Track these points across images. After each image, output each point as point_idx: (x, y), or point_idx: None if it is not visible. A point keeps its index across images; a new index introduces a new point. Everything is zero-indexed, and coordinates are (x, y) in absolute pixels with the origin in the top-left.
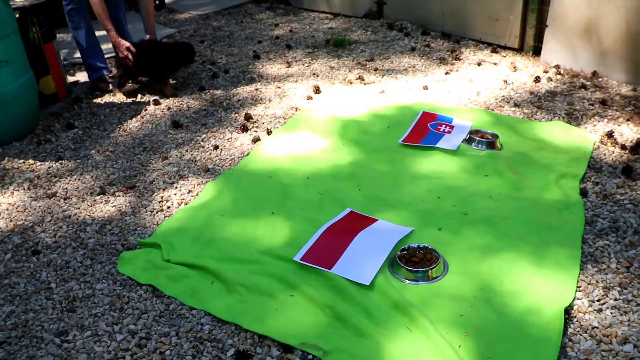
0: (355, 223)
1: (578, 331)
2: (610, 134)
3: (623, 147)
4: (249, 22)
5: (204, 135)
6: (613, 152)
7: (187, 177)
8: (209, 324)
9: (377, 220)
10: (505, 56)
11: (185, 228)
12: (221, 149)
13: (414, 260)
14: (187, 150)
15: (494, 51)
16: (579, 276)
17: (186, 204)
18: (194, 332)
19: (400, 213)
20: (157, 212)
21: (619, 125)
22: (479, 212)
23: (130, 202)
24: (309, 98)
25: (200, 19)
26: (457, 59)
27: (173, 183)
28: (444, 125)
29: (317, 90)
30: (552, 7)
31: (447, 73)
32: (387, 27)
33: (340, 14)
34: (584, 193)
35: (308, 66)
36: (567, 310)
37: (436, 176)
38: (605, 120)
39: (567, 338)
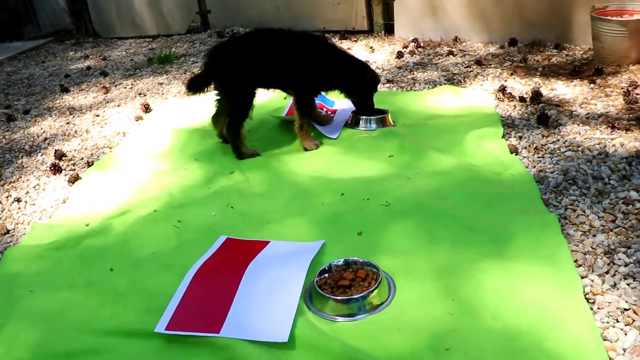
0: (238, 253)
1: (608, 322)
2: (502, 90)
3: (522, 99)
4: (52, 60)
5: None
6: (515, 106)
7: None
8: None
9: (268, 242)
10: (356, 40)
11: None
12: (26, 201)
13: (344, 285)
14: None
15: (343, 37)
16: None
17: None
18: None
19: (298, 225)
20: None
21: (505, 81)
22: (404, 199)
23: None
24: (139, 118)
25: None
26: None
27: None
28: (324, 109)
29: (146, 108)
30: None
31: None
32: (217, 36)
33: (159, 35)
34: (514, 150)
35: (131, 88)
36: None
37: (328, 171)
38: (490, 78)
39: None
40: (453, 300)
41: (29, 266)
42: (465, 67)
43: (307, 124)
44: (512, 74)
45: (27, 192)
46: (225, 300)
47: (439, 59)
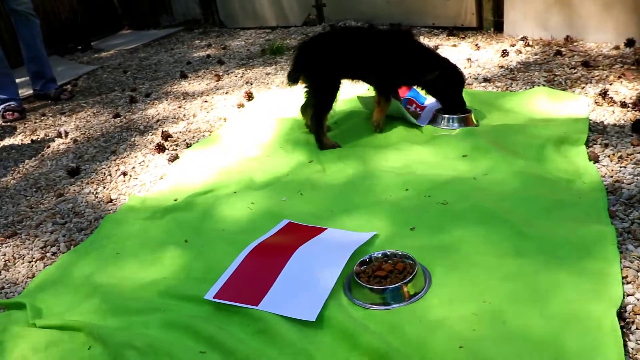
0: (294, 236)
1: None
2: (604, 93)
3: (623, 104)
4: (180, 48)
5: (111, 164)
6: (613, 112)
7: (83, 214)
8: None
9: (325, 229)
10: (464, 37)
11: (66, 277)
12: (130, 175)
13: (380, 275)
14: (87, 183)
15: (451, 34)
16: (621, 262)
17: (76, 245)
18: None
19: (358, 216)
20: (36, 262)
21: (610, 84)
22: (463, 200)
23: (4, 255)
24: (241, 106)
25: (127, 53)
26: None
27: (65, 223)
28: (414, 105)
29: (249, 97)
30: None
31: None
32: (331, 29)
33: (277, 26)
34: (594, 157)
35: (241, 77)
36: (619, 315)
37: (401, 166)
38: (594, 81)
39: (630, 358)
40: (484, 302)
41: (120, 232)
42: (570, 69)
43: (385, 101)
44: (619, 77)
45: (133, 168)
46: (270, 277)
47: (545, 58)
